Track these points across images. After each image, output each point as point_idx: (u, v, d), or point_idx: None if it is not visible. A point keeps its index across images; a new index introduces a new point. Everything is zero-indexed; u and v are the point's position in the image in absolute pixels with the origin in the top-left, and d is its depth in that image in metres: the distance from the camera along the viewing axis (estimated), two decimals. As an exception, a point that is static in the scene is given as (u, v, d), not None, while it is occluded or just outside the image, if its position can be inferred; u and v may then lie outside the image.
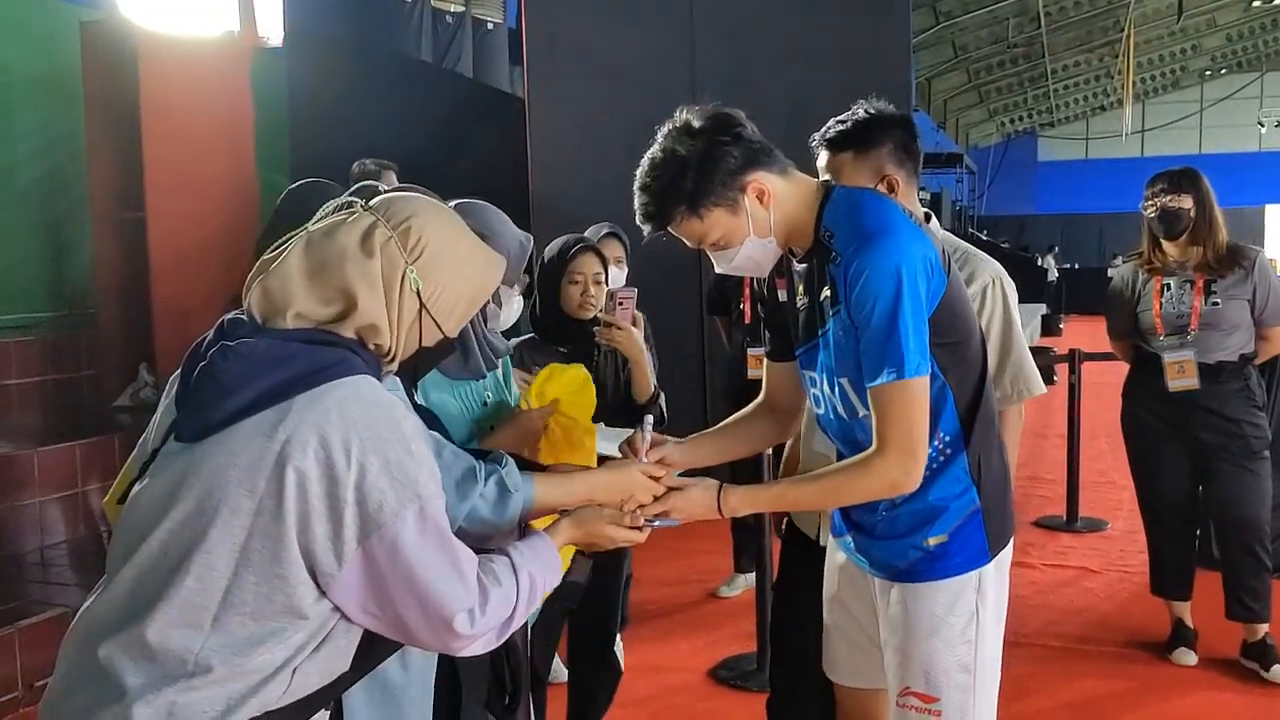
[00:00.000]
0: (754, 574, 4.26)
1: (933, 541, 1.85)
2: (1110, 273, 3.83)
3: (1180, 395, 3.69)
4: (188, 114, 5.25)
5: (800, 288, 1.89)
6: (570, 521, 1.65)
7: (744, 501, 1.83)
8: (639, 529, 1.71)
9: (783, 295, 1.96)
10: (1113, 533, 5.70)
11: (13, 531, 4.34)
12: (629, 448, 1.84)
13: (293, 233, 1.42)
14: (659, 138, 1.80)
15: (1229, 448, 3.71)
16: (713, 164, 1.74)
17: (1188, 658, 3.87)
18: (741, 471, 3.62)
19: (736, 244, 1.80)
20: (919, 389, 1.73)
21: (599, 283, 2.93)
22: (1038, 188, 33.04)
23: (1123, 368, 4.13)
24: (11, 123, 5.55)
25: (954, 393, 1.84)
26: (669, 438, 1.93)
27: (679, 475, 1.83)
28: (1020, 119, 32.01)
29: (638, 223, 1.81)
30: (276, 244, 1.42)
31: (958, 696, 1.88)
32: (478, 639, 1.39)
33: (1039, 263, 23.12)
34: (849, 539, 1.99)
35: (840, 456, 1.96)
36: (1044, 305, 19.04)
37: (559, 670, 3.50)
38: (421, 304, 1.41)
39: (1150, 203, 3.68)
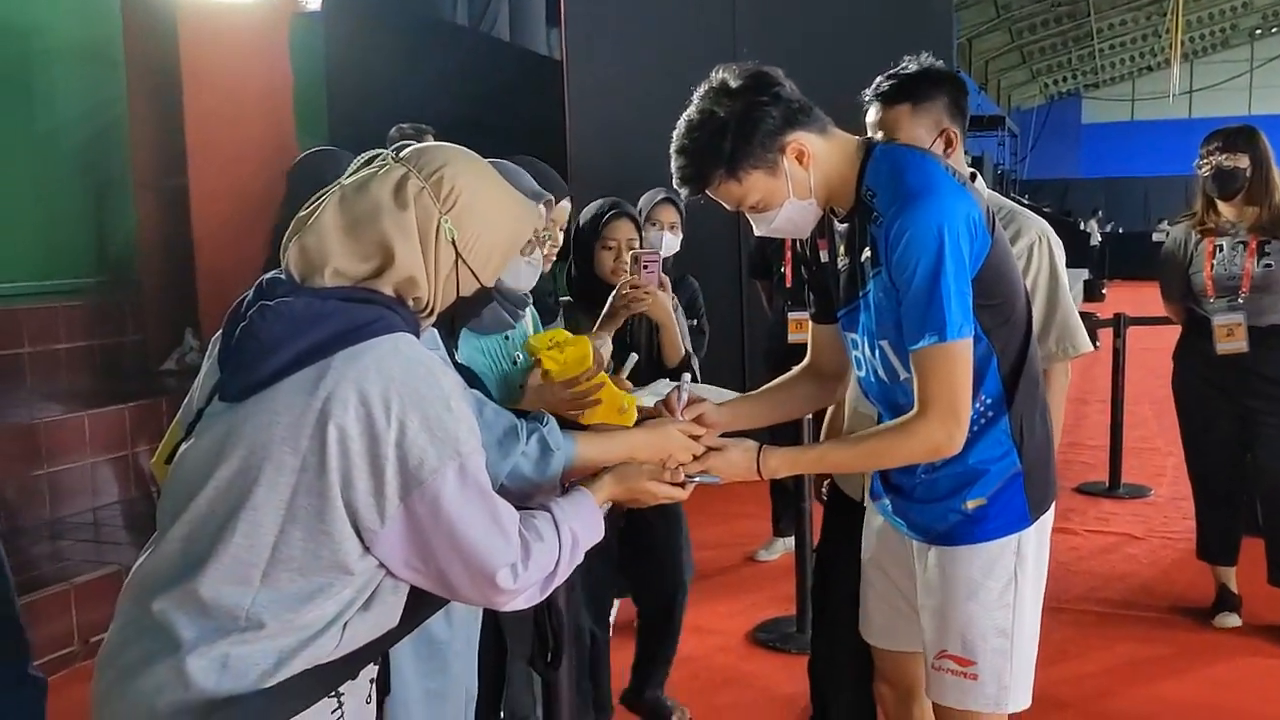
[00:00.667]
0: (792, 538, 4.27)
1: (971, 505, 1.84)
2: (1156, 236, 3.78)
3: (1229, 359, 3.63)
4: (228, 79, 5.28)
5: (841, 248, 1.87)
6: (612, 478, 1.65)
7: (784, 463, 1.81)
8: (681, 486, 1.71)
9: (825, 256, 1.94)
10: (1156, 499, 5.65)
11: (65, 493, 4.44)
12: (665, 406, 1.83)
13: (325, 189, 1.43)
14: (695, 98, 1.76)
15: (1276, 413, 3.65)
16: (751, 125, 1.71)
17: (1231, 621, 3.84)
18: (780, 434, 3.63)
19: (775, 206, 1.77)
20: (962, 351, 1.70)
21: (633, 248, 2.90)
22: (1082, 150, 32.49)
23: (1168, 333, 4.08)
24: (54, 89, 5.60)
25: (998, 354, 1.81)
26: (708, 395, 1.92)
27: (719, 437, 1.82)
28: (1064, 80, 31.45)
29: (675, 186, 1.79)
30: (310, 202, 1.42)
31: (994, 660, 1.87)
32: (520, 593, 1.40)
33: (1082, 227, 22.76)
34: (887, 502, 1.98)
35: (881, 419, 1.95)
36: (1086, 270, 18.77)
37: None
38: (457, 254, 1.41)
39: (1205, 161, 3.61)
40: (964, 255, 1.70)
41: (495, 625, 1.92)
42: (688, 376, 1.86)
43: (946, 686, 1.91)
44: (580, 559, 1.50)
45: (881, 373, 1.85)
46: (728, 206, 1.81)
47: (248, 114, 5.37)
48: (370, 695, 1.46)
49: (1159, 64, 30.07)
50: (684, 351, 2.96)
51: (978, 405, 1.80)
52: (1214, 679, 3.48)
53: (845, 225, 1.84)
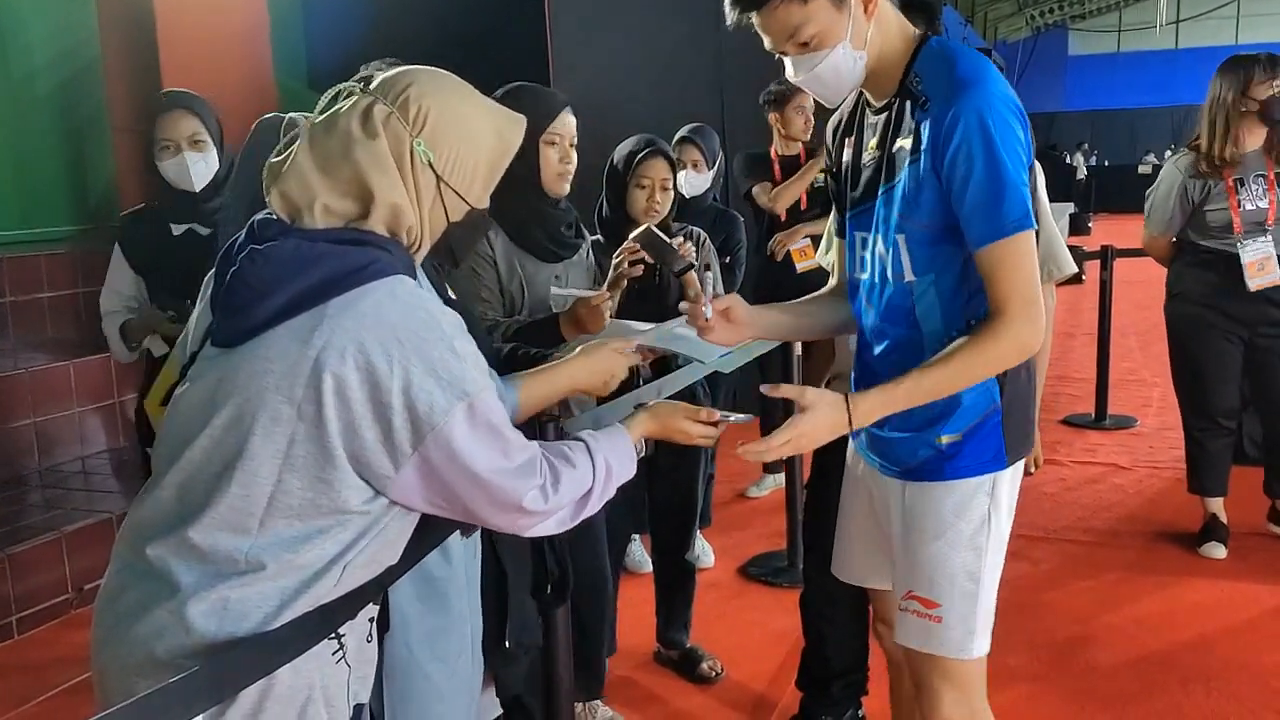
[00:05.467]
0: (782, 474, 4.30)
1: (945, 440, 1.76)
2: (1142, 169, 3.74)
3: (1240, 290, 3.65)
4: (203, 19, 5.17)
5: (872, 141, 1.77)
6: (648, 415, 1.64)
7: (877, 405, 1.67)
8: (714, 424, 1.67)
9: (848, 156, 1.85)
10: (1142, 430, 5.70)
11: (54, 442, 4.44)
12: (691, 296, 1.75)
13: (293, 133, 1.40)
14: None
15: None
16: None
17: (1218, 551, 3.90)
18: (770, 369, 3.64)
19: (827, 47, 1.64)
20: (1031, 241, 1.63)
21: (666, 189, 2.87)
22: (1068, 83, 32.24)
23: (1154, 266, 4.07)
24: (26, 33, 5.47)
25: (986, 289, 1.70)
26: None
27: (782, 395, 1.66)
28: (1050, 11, 31.08)
29: (728, 7, 1.65)
30: (279, 149, 1.39)
31: (961, 604, 1.78)
32: (551, 515, 1.41)
33: (1068, 160, 22.67)
34: (864, 437, 1.91)
35: (863, 336, 1.86)
36: (1072, 204, 18.72)
37: (644, 561, 3.71)
38: (437, 176, 1.38)
39: (1269, 88, 3.51)
40: (1021, 145, 1.62)
41: (497, 557, 1.92)
42: (710, 274, 1.78)
43: (911, 628, 1.83)
44: (613, 492, 1.51)
45: (889, 271, 1.75)
46: (770, 40, 1.67)
47: (224, 54, 5.26)
48: (370, 634, 1.47)
49: (1146, -7, 29.77)
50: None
51: (965, 328, 1.71)
52: (1200, 603, 3.53)
53: (879, 116, 1.75)
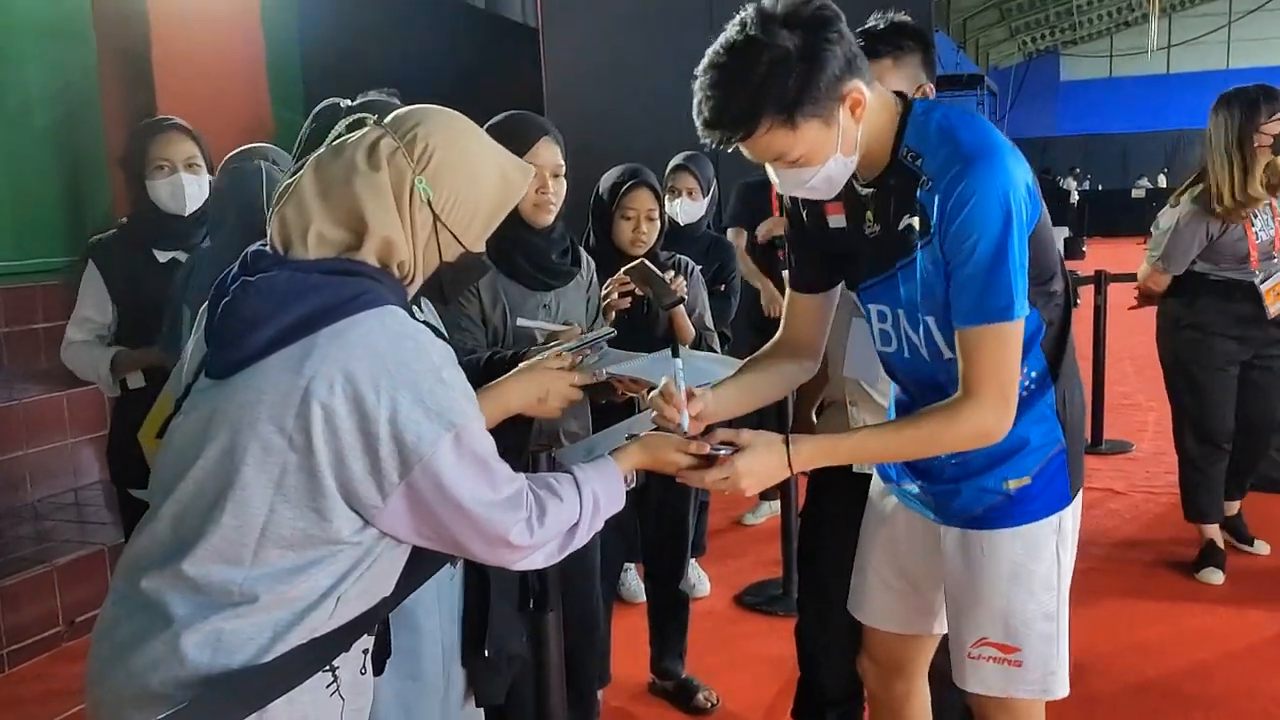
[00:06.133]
0: (777, 501, 4.29)
1: (1014, 484, 1.72)
2: (1135, 193, 3.78)
3: (1251, 315, 3.70)
4: (200, 53, 5.21)
5: (869, 214, 1.68)
6: (638, 446, 1.62)
7: (818, 454, 1.63)
8: (705, 456, 1.63)
9: (834, 221, 1.76)
10: (1138, 454, 5.70)
11: (47, 473, 4.42)
12: (663, 401, 1.64)
13: (305, 158, 1.41)
14: (734, 28, 1.48)
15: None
16: (820, 64, 1.46)
17: (1216, 577, 3.88)
18: (767, 413, 3.62)
19: (818, 162, 1.55)
20: (1017, 332, 1.57)
21: (652, 219, 2.86)
22: (1060, 108, 32.46)
23: None
24: (24, 68, 5.50)
25: (1046, 325, 1.71)
26: (704, 364, 1.85)
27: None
28: (1042, 37, 31.38)
29: (702, 130, 1.52)
30: (291, 170, 1.41)
31: (1040, 646, 1.77)
32: (538, 549, 1.40)
33: (1060, 185, 22.78)
34: (913, 487, 1.85)
35: (904, 395, 1.85)
36: (1066, 228, 18.80)
37: (639, 591, 3.69)
38: (435, 215, 1.38)
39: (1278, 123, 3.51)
40: (1025, 227, 1.55)
41: (479, 566, 1.92)
42: (679, 362, 1.68)
43: (987, 674, 1.80)
44: (600, 524, 1.51)
45: (923, 350, 1.71)
46: (759, 159, 1.57)
47: (221, 87, 5.30)
48: (365, 666, 1.46)
49: (1137, 19, 30.02)
50: (696, 332, 2.92)
51: (1023, 380, 1.66)
52: (1199, 630, 3.52)
53: (871, 189, 1.67)
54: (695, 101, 1.51)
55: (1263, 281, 3.68)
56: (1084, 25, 31.21)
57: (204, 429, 1.29)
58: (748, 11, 1.49)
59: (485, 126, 2.11)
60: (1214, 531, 3.97)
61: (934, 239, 1.58)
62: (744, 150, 1.55)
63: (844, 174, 1.61)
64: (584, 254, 2.49)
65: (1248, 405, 3.90)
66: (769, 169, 1.62)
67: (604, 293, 2.33)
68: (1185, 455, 3.98)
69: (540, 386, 1.81)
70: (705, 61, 1.51)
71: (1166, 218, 3.86)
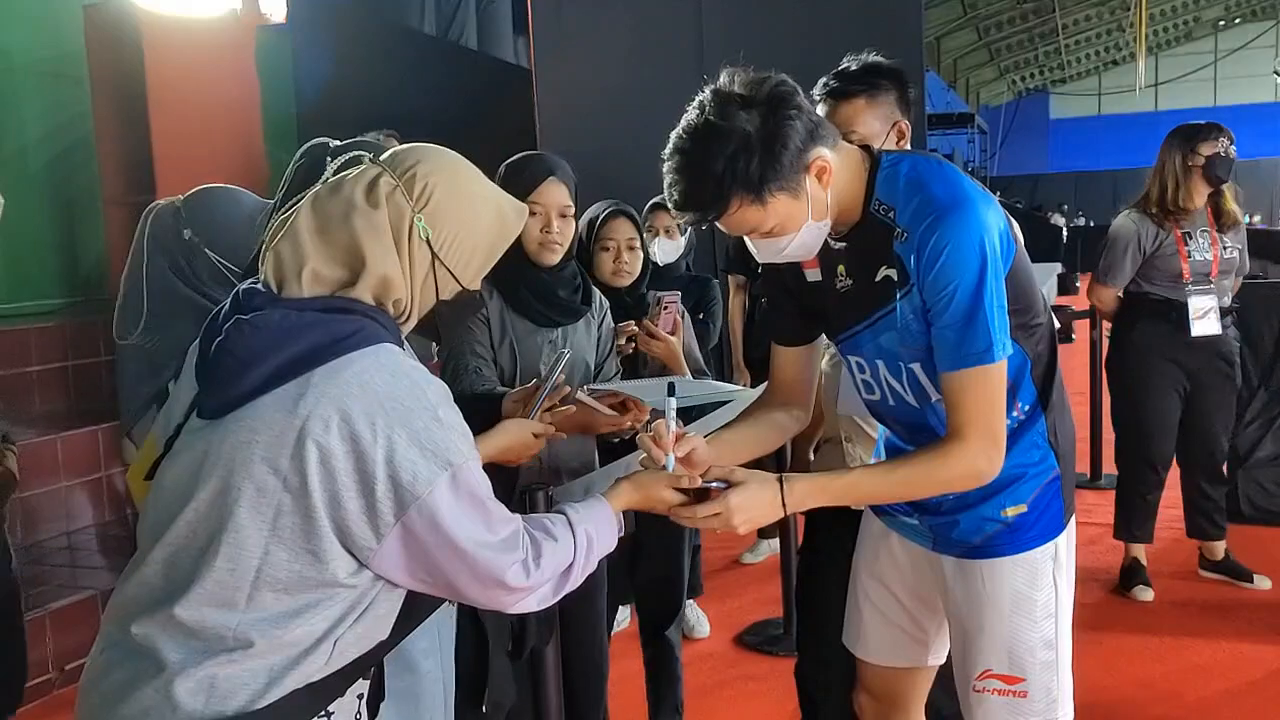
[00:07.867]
0: (777, 540, 4.26)
1: (1011, 512, 1.74)
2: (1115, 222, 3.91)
3: (1207, 344, 3.82)
4: (194, 94, 5.24)
5: (841, 268, 1.72)
6: (629, 485, 1.61)
7: (811, 493, 1.64)
8: (696, 491, 1.61)
9: (810, 275, 1.80)
10: (1136, 489, 5.66)
11: (40, 517, 4.37)
12: (653, 441, 1.64)
13: (301, 194, 1.41)
14: (694, 110, 1.53)
15: (1219, 386, 3.94)
16: (781, 142, 1.51)
17: (1147, 594, 4.05)
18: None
19: (792, 231, 1.59)
20: (1001, 372, 1.60)
21: (632, 248, 2.82)
22: (1050, 146, 32.76)
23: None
24: (19, 109, 5.54)
25: (1031, 359, 1.73)
26: (703, 391, 1.86)
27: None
28: (1031, 76, 31.72)
29: (674, 211, 1.59)
30: (287, 205, 1.40)
31: (1043, 675, 1.78)
32: (533, 591, 1.38)
33: (1052, 221, 22.92)
34: (910, 519, 1.87)
35: (896, 436, 1.87)
36: (1059, 264, 18.90)
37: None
38: (433, 254, 1.37)
39: (1214, 147, 3.72)
40: (1001, 270, 1.59)
41: (475, 616, 1.89)
42: (673, 402, 1.67)
43: (993, 708, 1.81)
44: (594, 565, 1.49)
45: (910, 397, 1.73)
46: (735, 233, 1.62)
47: (215, 128, 5.33)
48: (360, 712, 1.43)
49: (1124, 58, 30.38)
50: (690, 373, 2.89)
51: (1014, 413, 1.71)
52: (1202, 668, 3.49)
53: (844, 243, 1.70)
54: (665, 184, 1.56)
55: (1194, 300, 3.82)
56: (1072, 64, 31.55)
57: (196, 470, 1.27)
58: (705, 94, 1.53)
59: (500, 165, 2.11)
60: (1139, 550, 4.13)
61: (914, 289, 1.61)
62: (719, 226, 1.60)
63: (818, 238, 1.65)
64: (596, 292, 2.47)
65: (1189, 430, 3.99)
66: (746, 240, 1.66)
67: (627, 332, 2.41)
68: (1123, 476, 4.15)
69: (509, 444, 1.83)
70: (670, 145, 1.55)
71: None
